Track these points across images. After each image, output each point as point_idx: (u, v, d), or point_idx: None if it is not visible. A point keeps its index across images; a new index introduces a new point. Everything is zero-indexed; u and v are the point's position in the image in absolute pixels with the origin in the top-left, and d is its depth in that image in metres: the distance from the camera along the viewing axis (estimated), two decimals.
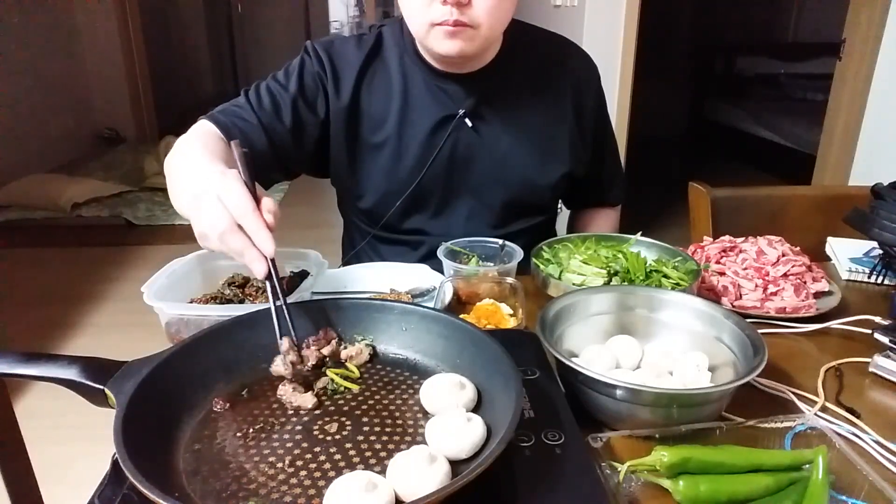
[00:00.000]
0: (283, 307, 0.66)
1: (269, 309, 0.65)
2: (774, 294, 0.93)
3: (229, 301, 0.87)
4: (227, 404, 0.60)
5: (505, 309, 0.85)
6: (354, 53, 1.07)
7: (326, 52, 1.06)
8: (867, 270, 1.07)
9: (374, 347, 0.69)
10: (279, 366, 0.63)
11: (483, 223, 1.13)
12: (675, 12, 5.67)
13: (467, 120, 1.06)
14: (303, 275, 0.93)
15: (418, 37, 1.00)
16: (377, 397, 0.62)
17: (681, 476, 0.57)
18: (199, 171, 0.73)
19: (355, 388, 0.63)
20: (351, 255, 1.25)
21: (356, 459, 0.53)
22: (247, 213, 0.62)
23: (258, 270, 0.63)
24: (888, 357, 0.78)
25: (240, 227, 0.62)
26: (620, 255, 0.97)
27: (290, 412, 0.60)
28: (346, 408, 0.60)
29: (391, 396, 0.62)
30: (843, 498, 0.57)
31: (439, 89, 1.07)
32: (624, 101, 2.82)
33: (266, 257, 0.62)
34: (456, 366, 0.64)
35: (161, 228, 3.70)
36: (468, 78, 1.06)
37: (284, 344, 0.63)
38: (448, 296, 0.86)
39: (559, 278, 0.93)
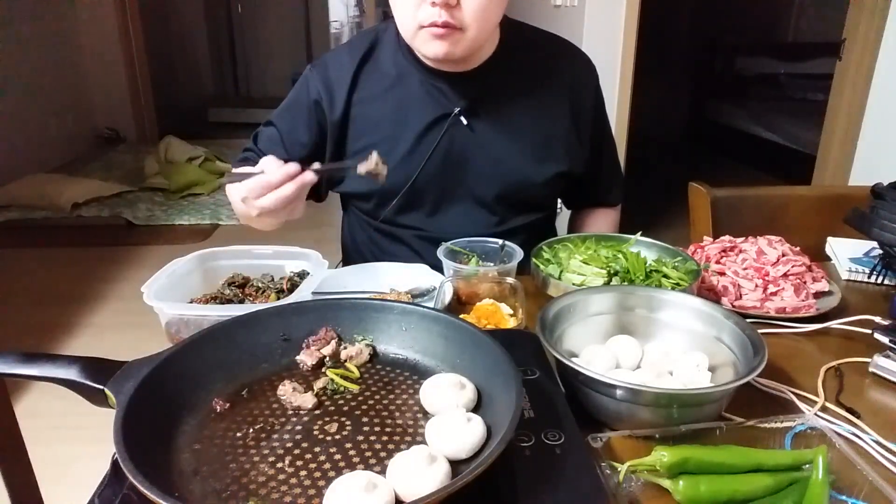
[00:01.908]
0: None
1: (273, 305, 0.66)
2: (774, 294, 0.93)
3: (229, 301, 0.87)
4: (227, 404, 0.60)
5: (505, 309, 0.85)
6: (346, 63, 1.10)
7: (320, 74, 1.10)
8: (867, 270, 1.07)
9: (374, 347, 0.69)
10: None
11: (480, 220, 1.13)
12: (675, 12, 5.67)
13: (462, 118, 1.07)
14: (303, 275, 0.93)
15: (407, 38, 1.01)
16: (377, 397, 0.62)
17: (681, 476, 0.57)
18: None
19: (355, 388, 0.63)
20: (353, 253, 1.25)
21: (356, 459, 0.53)
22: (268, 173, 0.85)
23: (309, 177, 0.86)
24: (888, 357, 0.78)
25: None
26: (620, 255, 0.97)
27: (290, 412, 0.59)
28: (346, 408, 0.60)
29: (391, 396, 0.62)
30: (843, 498, 0.57)
31: (434, 88, 1.07)
32: (624, 101, 2.83)
33: (299, 172, 0.85)
34: (456, 366, 0.64)
35: (161, 228, 3.70)
36: (464, 77, 1.06)
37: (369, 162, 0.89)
38: (448, 296, 0.86)
39: (559, 278, 0.93)
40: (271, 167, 0.86)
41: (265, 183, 0.85)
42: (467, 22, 0.93)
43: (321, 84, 1.09)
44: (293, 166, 0.86)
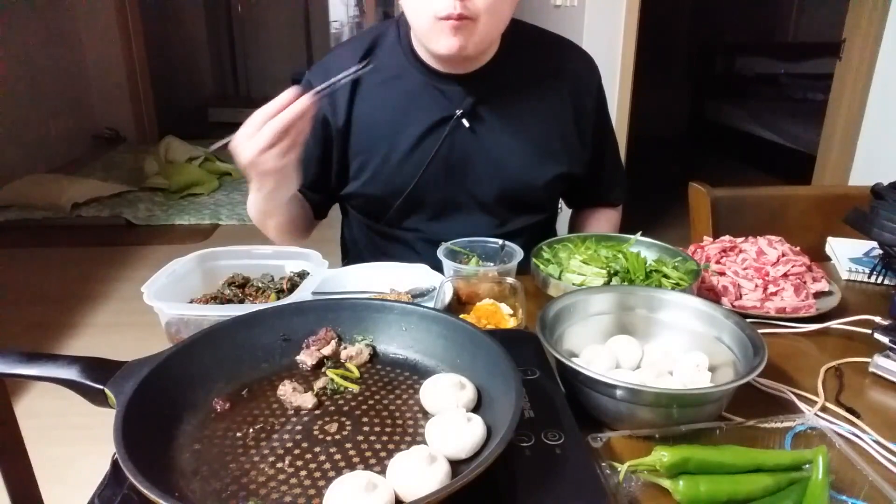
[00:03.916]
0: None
1: (273, 305, 0.67)
2: (774, 294, 0.93)
3: (229, 301, 0.87)
4: (227, 404, 0.60)
5: (505, 309, 0.85)
6: (348, 66, 1.08)
7: (321, 77, 1.07)
8: (867, 270, 1.07)
9: (374, 347, 0.69)
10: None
11: (482, 222, 1.13)
12: (675, 12, 5.66)
13: (464, 120, 1.06)
14: (303, 275, 0.93)
15: (420, 32, 0.99)
16: (377, 397, 0.62)
17: (681, 476, 0.57)
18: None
19: (355, 388, 0.63)
20: (353, 254, 1.25)
21: (356, 459, 0.53)
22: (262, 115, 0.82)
23: (305, 99, 0.82)
24: (888, 357, 0.78)
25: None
26: (620, 255, 0.97)
27: (290, 412, 0.60)
28: (346, 408, 0.60)
29: (391, 396, 0.62)
30: (843, 498, 0.57)
31: (436, 90, 1.07)
32: (624, 101, 2.82)
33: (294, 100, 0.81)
34: (456, 366, 0.64)
35: (161, 228, 3.70)
36: (466, 78, 1.06)
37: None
38: (448, 296, 0.86)
39: (559, 278, 0.93)
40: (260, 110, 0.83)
41: (263, 114, 0.81)
42: (480, 12, 0.93)
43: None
44: (289, 92, 0.82)
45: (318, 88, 0.86)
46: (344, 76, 0.90)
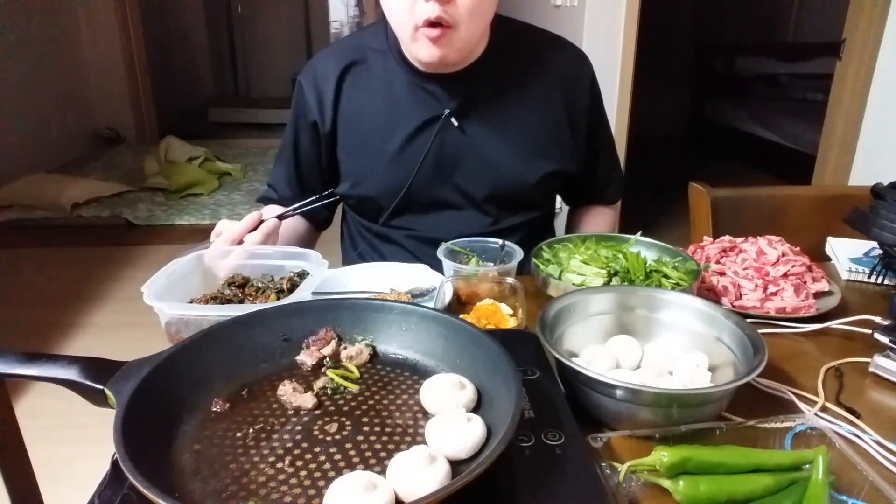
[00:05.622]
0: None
1: (273, 305, 0.67)
2: (774, 294, 0.93)
3: (229, 301, 0.87)
4: (227, 404, 0.60)
5: (505, 309, 0.85)
6: (332, 68, 1.10)
7: (309, 80, 1.11)
8: (867, 270, 1.07)
9: (374, 347, 0.69)
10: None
11: (474, 221, 1.12)
12: (675, 12, 5.67)
13: (453, 119, 1.06)
14: (303, 275, 0.93)
15: (404, 40, 1.00)
16: (377, 397, 0.62)
17: (681, 476, 0.57)
18: None
19: (355, 388, 0.63)
20: (351, 253, 1.25)
21: (356, 459, 0.53)
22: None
23: (271, 222, 0.97)
24: (888, 357, 0.78)
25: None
26: (620, 255, 0.97)
27: (290, 412, 0.59)
28: (346, 408, 0.60)
29: (391, 396, 0.62)
30: (843, 498, 0.57)
31: (424, 91, 1.06)
32: (624, 100, 2.82)
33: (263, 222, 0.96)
34: (456, 366, 0.64)
35: (161, 228, 3.70)
36: (453, 78, 1.06)
37: None
38: (448, 296, 0.86)
39: (559, 278, 0.93)
40: (228, 226, 0.93)
41: (231, 235, 0.92)
42: (460, 19, 0.93)
43: (313, 97, 1.10)
44: (254, 215, 0.94)
45: (285, 211, 1.02)
46: (311, 201, 1.03)
